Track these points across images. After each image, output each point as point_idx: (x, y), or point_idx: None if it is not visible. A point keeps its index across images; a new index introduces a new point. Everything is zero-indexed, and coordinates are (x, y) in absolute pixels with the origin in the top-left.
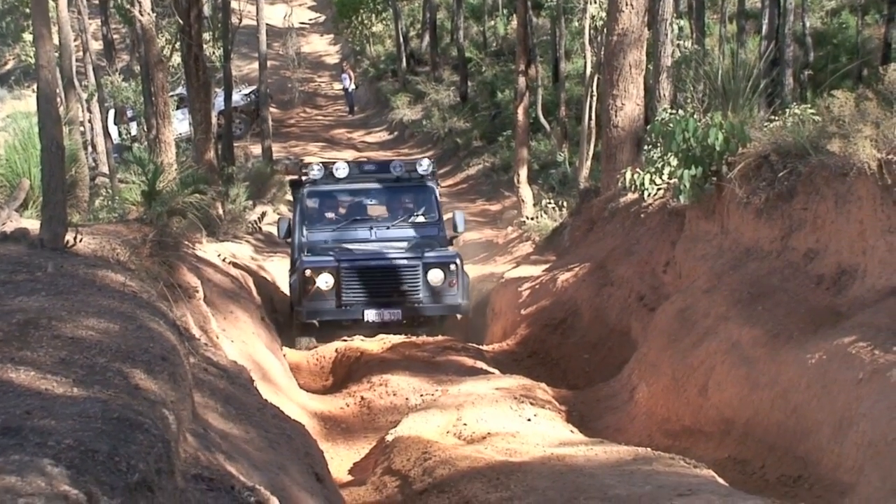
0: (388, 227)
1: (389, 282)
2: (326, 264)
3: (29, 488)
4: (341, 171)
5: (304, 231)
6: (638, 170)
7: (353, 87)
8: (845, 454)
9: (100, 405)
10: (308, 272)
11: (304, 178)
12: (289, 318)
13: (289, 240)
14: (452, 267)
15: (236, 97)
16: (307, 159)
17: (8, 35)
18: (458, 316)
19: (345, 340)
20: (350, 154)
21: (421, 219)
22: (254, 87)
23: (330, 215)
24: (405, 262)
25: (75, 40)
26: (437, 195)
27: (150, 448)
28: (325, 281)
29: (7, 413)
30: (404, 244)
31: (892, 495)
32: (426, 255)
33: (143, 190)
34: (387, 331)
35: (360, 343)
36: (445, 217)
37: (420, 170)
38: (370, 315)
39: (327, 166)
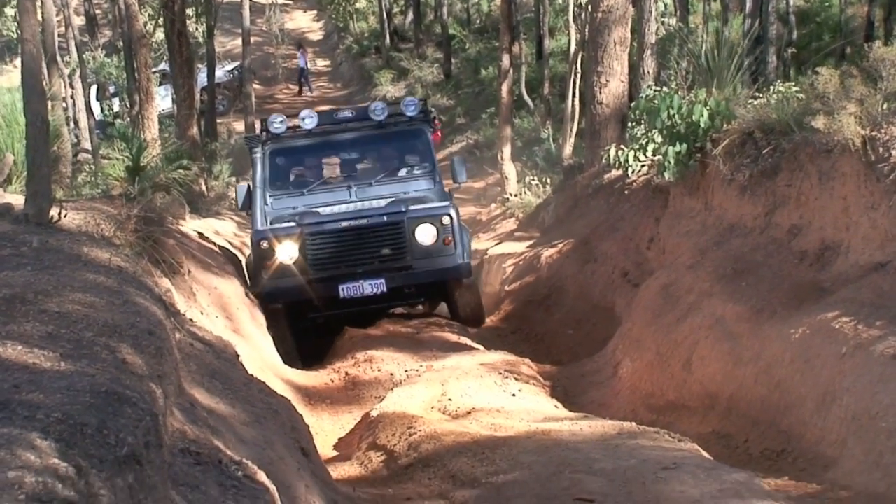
0: (370, 184)
1: (368, 246)
2: (287, 232)
3: (18, 462)
4: (309, 120)
5: (266, 198)
6: (622, 147)
7: (308, 66)
8: (829, 428)
9: (88, 379)
10: (265, 243)
11: (264, 132)
12: None
13: (250, 211)
14: (446, 220)
15: (219, 73)
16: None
17: None
18: (462, 281)
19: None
20: None
21: (412, 170)
22: (237, 64)
23: (299, 176)
24: (385, 218)
25: (58, 16)
26: (431, 140)
27: (138, 422)
28: (287, 252)
29: None
30: (387, 200)
31: (875, 468)
32: (411, 208)
33: (127, 165)
34: (366, 308)
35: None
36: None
37: (407, 111)
38: (346, 290)
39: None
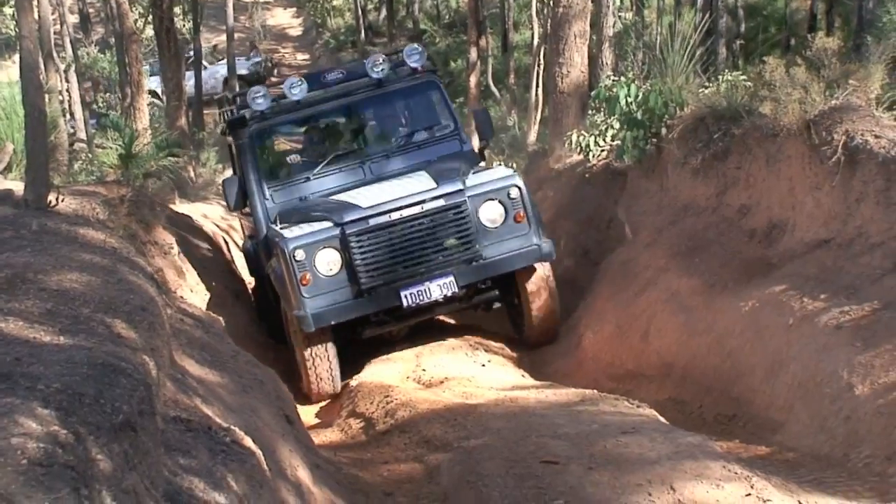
0: (387, 157)
1: (427, 238)
2: (325, 235)
3: (21, 429)
4: (297, 88)
5: (265, 191)
6: (583, 133)
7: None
8: (776, 394)
9: (85, 352)
10: (300, 254)
11: (245, 112)
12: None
13: (246, 210)
14: (514, 193)
15: (244, 64)
16: None
17: None
18: (539, 265)
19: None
20: None
21: (432, 132)
22: (261, 57)
23: (296, 158)
24: (442, 201)
25: (53, 14)
26: (445, 92)
27: (132, 391)
28: (327, 262)
29: None
30: (422, 175)
31: (820, 431)
32: (469, 183)
33: (119, 154)
34: (435, 315)
35: None
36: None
37: (411, 62)
38: (410, 296)
39: (275, 90)
